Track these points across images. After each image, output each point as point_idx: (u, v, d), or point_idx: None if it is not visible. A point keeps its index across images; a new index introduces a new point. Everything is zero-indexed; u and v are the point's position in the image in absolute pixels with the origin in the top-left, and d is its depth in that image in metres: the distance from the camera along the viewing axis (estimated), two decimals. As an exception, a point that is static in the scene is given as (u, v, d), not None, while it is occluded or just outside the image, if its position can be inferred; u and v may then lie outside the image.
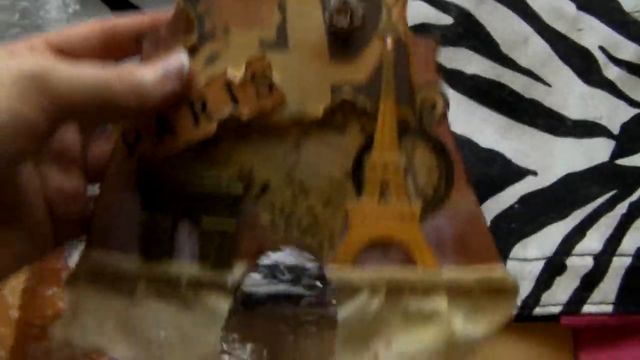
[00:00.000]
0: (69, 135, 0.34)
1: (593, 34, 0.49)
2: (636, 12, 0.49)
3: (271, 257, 0.44)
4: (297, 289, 0.44)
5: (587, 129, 0.47)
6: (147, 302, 0.33)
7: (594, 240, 0.45)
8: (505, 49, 0.48)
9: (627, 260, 0.44)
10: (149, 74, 0.31)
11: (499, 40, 0.48)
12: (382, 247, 0.33)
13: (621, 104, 0.48)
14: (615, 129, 0.47)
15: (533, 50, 0.48)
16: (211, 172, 0.34)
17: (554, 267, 0.44)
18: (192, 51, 0.33)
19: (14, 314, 0.43)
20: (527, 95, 0.48)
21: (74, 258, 0.45)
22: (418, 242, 0.33)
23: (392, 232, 0.33)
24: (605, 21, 0.49)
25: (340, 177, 0.34)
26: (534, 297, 0.44)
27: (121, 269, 0.33)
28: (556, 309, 0.44)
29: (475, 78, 0.48)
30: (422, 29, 0.48)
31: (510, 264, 0.44)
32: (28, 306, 0.44)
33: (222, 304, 0.33)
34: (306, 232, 0.34)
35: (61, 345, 0.41)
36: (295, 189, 0.34)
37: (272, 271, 0.44)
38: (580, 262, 0.44)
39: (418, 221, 0.33)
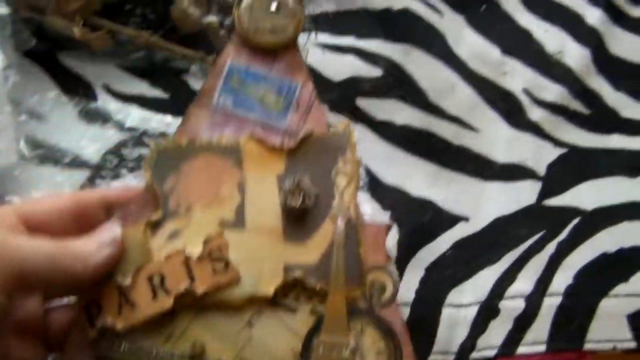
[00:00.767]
0: (30, 306, 0.35)
1: (517, 77, 0.51)
2: (558, 53, 0.51)
3: None
4: None
5: (514, 171, 0.49)
6: None
7: (524, 282, 0.47)
8: (433, 97, 0.50)
9: (557, 300, 0.46)
10: (88, 244, 0.34)
11: (427, 89, 0.50)
12: None
13: (546, 144, 0.50)
14: (541, 170, 0.49)
15: (460, 97, 0.50)
16: (166, 347, 0.35)
17: (488, 311, 0.46)
18: (156, 227, 0.36)
19: None
20: (455, 142, 0.49)
21: None
22: None
23: None
24: (529, 64, 0.51)
25: (290, 358, 0.35)
26: (470, 341, 0.46)
27: None
28: (492, 353, 0.45)
29: (405, 128, 0.49)
30: (352, 82, 0.49)
31: (445, 310, 0.46)
32: None
33: None
34: None
35: None
36: None
37: None
38: (512, 305, 0.46)
39: None
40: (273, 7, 0.38)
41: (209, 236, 0.35)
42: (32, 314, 0.35)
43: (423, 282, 0.45)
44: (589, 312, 0.46)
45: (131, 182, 0.48)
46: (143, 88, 0.50)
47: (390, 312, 0.35)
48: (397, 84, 0.50)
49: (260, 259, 0.35)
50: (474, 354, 0.45)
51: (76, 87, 0.50)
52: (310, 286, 0.35)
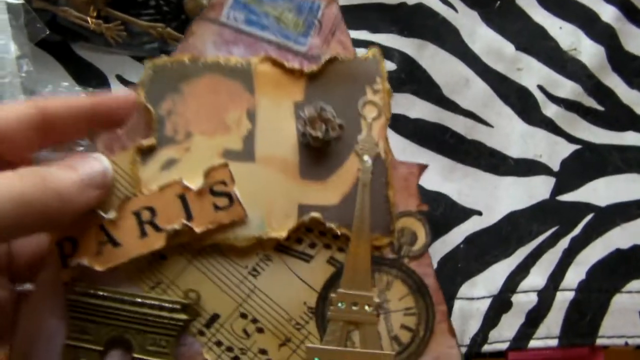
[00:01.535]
0: None
1: (532, 73, 0.51)
2: (573, 50, 0.51)
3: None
4: None
5: (528, 167, 0.49)
6: None
7: (537, 277, 0.46)
8: (447, 92, 0.50)
9: (570, 295, 0.46)
10: (71, 180, 0.28)
11: (440, 84, 0.50)
12: None
13: (560, 140, 0.50)
14: (555, 166, 0.49)
15: (474, 92, 0.50)
16: (154, 294, 0.30)
17: (500, 304, 0.46)
18: (148, 154, 0.31)
19: None
20: (469, 137, 0.49)
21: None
22: None
23: None
24: (544, 60, 0.51)
25: (301, 315, 0.30)
26: (482, 334, 0.46)
27: None
28: (503, 346, 0.45)
29: (418, 122, 0.49)
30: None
31: (457, 303, 0.46)
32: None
33: None
34: None
35: None
36: (248, 325, 0.30)
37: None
38: (525, 299, 0.46)
39: None
40: None
41: (211, 167, 0.31)
42: None
43: (436, 274, 0.45)
44: (602, 308, 0.46)
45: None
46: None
47: (422, 265, 0.31)
48: (411, 78, 0.50)
49: (272, 196, 0.31)
50: (486, 347, 0.45)
51: (89, 78, 0.50)
52: (329, 231, 0.31)
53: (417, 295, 0.30)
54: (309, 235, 0.31)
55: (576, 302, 0.46)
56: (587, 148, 0.49)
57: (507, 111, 0.50)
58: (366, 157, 0.31)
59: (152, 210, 0.30)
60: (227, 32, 0.32)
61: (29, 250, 0.32)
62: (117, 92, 0.33)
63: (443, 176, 0.48)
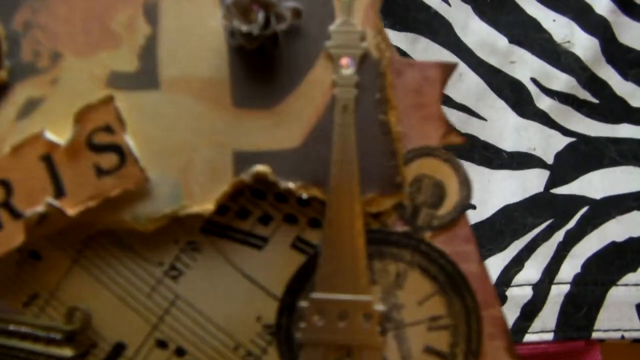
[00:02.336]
0: None
1: (525, 66, 0.50)
2: (566, 42, 0.51)
3: None
4: None
5: (522, 160, 0.49)
6: None
7: (532, 270, 0.46)
8: (440, 85, 0.49)
9: (565, 288, 0.46)
10: None
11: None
12: None
13: (554, 133, 0.49)
14: (549, 159, 0.49)
15: (467, 85, 0.50)
16: (28, 315, 0.19)
17: (495, 298, 0.46)
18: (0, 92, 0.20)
19: None
20: (463, 130, 0.49)
21: None
22: None
23: None
24: (537, 53, 0.51)
25: (254, 339, 0.19)
26: (477, 329, 0.45)
27: None
28: (498, 340, 0.45)
29: (412, 116, 0.49)
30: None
31: (452, 298, 0.45)
32: None
33: None
34: None
35: None
36: (170, 355, 0.20)
37: None
38: (519, 292, 0.46)
39: None
40: None
41: (86, 106, 0.19)
42: None
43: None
44: (597, 301, 0.46)
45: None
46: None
47: (455, 239, 0.19)
48: (405, 72, 0.49)
49: (188, 143, 0.19)
50: (481, 342, 0.45)
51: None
52: (289, 193, 0.19)
53: (449, 294, 0.18)
54: (258, 203, 0.19)
55: (571, 295, 0.46)
56: (582, 141, 0.49)
57: (501, 104, 0.49)
58: (345, 60, 0.19)
59: (6, 184, 0.19)
60: None
61: None
62: None
63: (436, 170, 0.48)
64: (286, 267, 0.19)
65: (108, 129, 0.19)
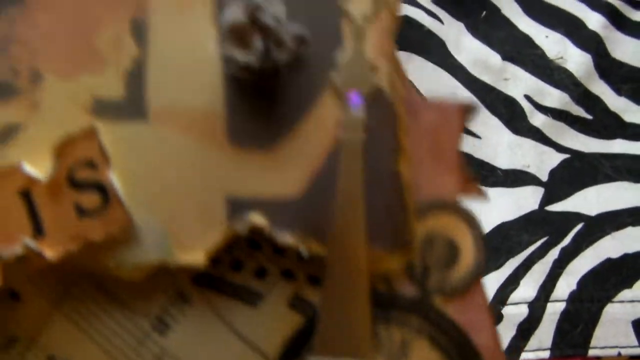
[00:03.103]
0: None
1: (518, 83, 0.51)
2: (559, 58, 0.51)
3: None
4: None
5: (517, 177, 0.49)
6: None
7: (528, 288, 0.46)
8: (433, 104, 0.50)
9: (561, 306, 0.46)
10: None
11: (428, 96, 0.50)
12: None
13: (548, 150, 0.49)
14: (543, 176, 0.49)
15: (461, 103, 0.50)
16: None
17: (491, 317, 0.46)
18: None
19: None
20: (457, 149, 0.49)
21: None
22: None
23: None
24: (530, 69, 0.51)
25: None
26: (473, 348, 0.45)
27: None
28: (494, 359, 0.45)
29: (406, 135, 0.49)
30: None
31: (448, 317, 0.45)
32: None
33: None
34: None
35: None
36: None
37: None
38: (515, 311, 0.46)
39: None
40: None
41: (67, 137, 0.17)
42: None
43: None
44: (593, 318, 0.46)
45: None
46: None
47: (468, 307, 0.17)
48: (398, 91, 0.50)
49: (179, 184, 0.17)
50: None
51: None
52: (287, 248, 0.17)
53: None
54: (253, 255, 0.18)
55: (567, 312, 0.46)
56: (576, 157, 0.49)
57: (495, 121, 0.50)
58: (353, 98, 0.17)
59: None
60: None
61: None
62: None
63: (431, 189, 0.48)
64: (283, 327, 0.18)
65: (91, 165, 0.17)
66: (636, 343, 0.45)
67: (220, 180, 0.17)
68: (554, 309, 0.46)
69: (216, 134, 0.17)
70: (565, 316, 0.46)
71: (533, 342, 0.45)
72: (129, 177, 0.18)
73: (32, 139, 0.18)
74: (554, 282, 0.46)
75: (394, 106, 0.17)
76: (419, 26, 0.51)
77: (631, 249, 0.47)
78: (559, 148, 0.49)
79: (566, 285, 0.46)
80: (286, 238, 0.17)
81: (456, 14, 0.52)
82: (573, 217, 0.48)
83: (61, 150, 0.17)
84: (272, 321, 0.18)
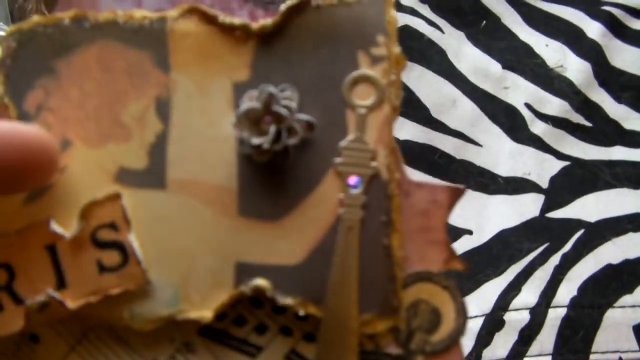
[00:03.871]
0: None
1: (519, 91, 0.51)
2: (559, 66, 0.52)
3: None
4: None
5: (517, 185, 0.49)
6: None
7: (529, 294, 0.47)
8: (435, 112, 0.50)
9: (563, 312, 0.46)
10: None
11: (428, 105, 0.50)
12: None
13: (549, 158, 0.50)
14: (544, 183, 0.49)
15: (462, 112, 0.50)
16: None
17: (493, 323, 0.46)
18: None
19: None
20: (458, 157, 0.50)
21: None
22: None
23: None
24: (530, 78, 0.51)
25: None
26: (475, 353, 0.46)
27: None
28: (497, 365, 0.45)
29: (407, 143, 0.50)
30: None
31: (450, 323, 0.46)
32: None
33: None
34: None
35: None
36: None
37: None
38: (517, 317, 0.46)
39: None
40: None
41: (92, 201, 0.19)
42: None
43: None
44: (595, 324, 0.46)
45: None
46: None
47: None
48: (400, 100, 0.50)
49: (191, 248, 0.19)
50: (480, 367, 0.46)
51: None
52: (287, 308, 0.19)
53: None
54: (255, 312, 0.20)
55: (569, 318, 0.46)
56: (576, 164, 0.50)
57: (495, 130, 0.50)
58: (353, 179, 0.19)
59: (8, 268, 0.19)
60: None
61: None
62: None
63: (433, 196, 0.49)
64: None
65: (113, 227, 0.19)
66: (637, 348, 0.46)
67: (231, 247, 0.20)
68: (556, 315, 0.46)
69: (228, 206, 0.20)
70: (566, 322, 0.46)
71: (535, 347, 0.46)
72: (147, 239, 0.20)
73: (59, 199, 0.20)
74: (555, 288, 0.47)
75: (389, 188, 0.20)
76: (420, 35, 0.52)
77: (631, 254, 0.47)
78: (560, 155, 0.50)
79: (567, 291, 0.47)
80: (287, 300, 0.19)
81: (457, 24, 0.52)
82: (574, 224, 0.48)
83: (86, 212, 0.19)
84: None
